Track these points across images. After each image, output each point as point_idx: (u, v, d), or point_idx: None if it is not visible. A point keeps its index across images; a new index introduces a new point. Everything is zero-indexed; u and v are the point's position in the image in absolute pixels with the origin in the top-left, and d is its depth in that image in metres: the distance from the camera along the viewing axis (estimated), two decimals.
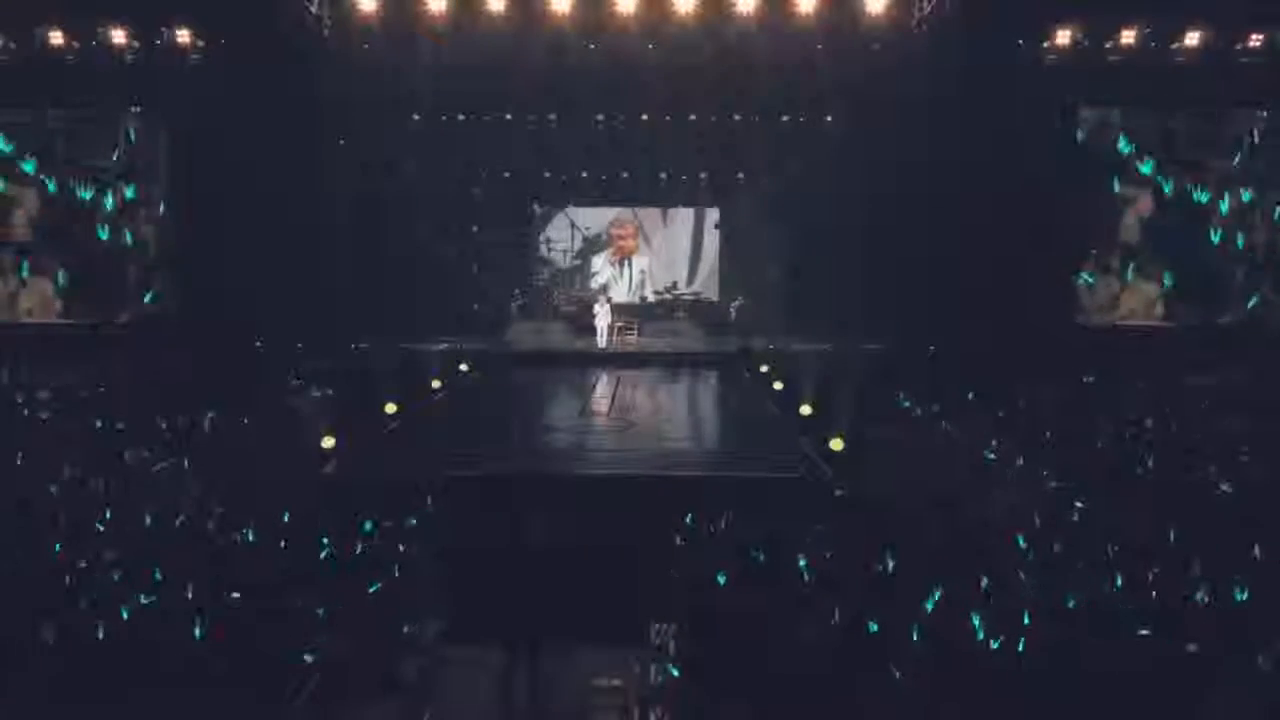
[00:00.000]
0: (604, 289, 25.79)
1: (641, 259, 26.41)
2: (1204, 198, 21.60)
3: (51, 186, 21.54)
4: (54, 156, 21.50)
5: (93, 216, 21.61)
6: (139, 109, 21.54)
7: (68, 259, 21.79)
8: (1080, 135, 21.75)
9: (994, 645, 6.45)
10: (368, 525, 8.85)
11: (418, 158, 23.82)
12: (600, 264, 26.50)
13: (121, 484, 10.51)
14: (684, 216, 26.32)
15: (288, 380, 16.91)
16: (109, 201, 21.61)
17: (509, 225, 25.88)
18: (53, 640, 6.39)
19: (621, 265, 26.48)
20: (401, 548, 8.58)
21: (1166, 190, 21.67)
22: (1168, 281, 22.00)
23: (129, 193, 21.69)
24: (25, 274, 21.76)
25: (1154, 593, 7.38)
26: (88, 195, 21.49)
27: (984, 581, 7.53)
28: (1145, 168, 21.64)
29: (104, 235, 21.59)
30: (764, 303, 24.93)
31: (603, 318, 22.67)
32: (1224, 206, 21.58)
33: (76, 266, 21.76)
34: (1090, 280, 22.07)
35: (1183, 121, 21.62)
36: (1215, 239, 21.75)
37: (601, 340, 22.55)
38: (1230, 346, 20.05)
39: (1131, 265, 22.04)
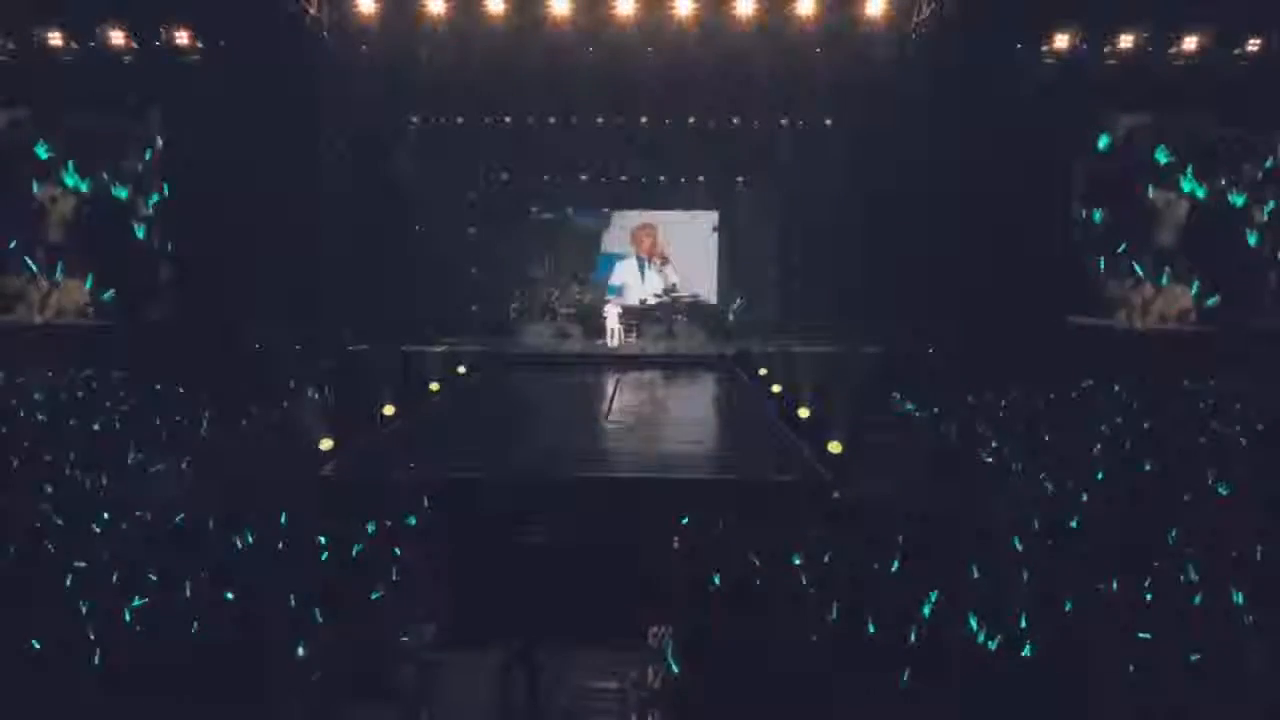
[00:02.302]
0: (620, 290, 25.87)
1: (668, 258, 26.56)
2: (1239, 200, 21.44)
3: (80, 185, 21.52)
4: (90, 157, 21.46)
5: (127, 217, 21.54)
6: (137, 110, 21.52)
7: (101, 259, 21.68)
8: (1111, 139, 21.70)
9: (992, 647, 6.46)
10: (366, 527, 8.85)
11: (416, 159, 23.83)
12: (621, 268, 26.56)
13: (119, 485, 10.50)
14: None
15: None
16: (150, 201, 21.62)
17: (507, 227, 25.92)
18: (49, 642, 6.38)
19: (646, 267, 26.57)
20: (399, 550, 8.57)
21: (1200, 195, 21.53)
22: (1194, 288, 21.79)
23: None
24: (60, 276, 21.65)
25: (1152, 595, 7.39)
26: (123, 194, 21.45)
27: (982, 584, 7.54)
28: (1187, 185, 21.46)
29: (140, 234, 21.59)
30: (763, 305, 24.99)
31: (613, 318, 22.77)
32: (1266, 212, 21.40)
33: (109, 267, 21.65)
34: (1135, 277, 21.91)
35: (1213, 124, 21.44)
36: (1253, 243, 21.57)
37: (612, 340, 22.65)
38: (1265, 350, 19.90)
39: (1168, 269, 21.85)
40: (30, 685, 6.06)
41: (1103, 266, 22.02)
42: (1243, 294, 21.52)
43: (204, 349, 18.50)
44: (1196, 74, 20.58)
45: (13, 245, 21.53)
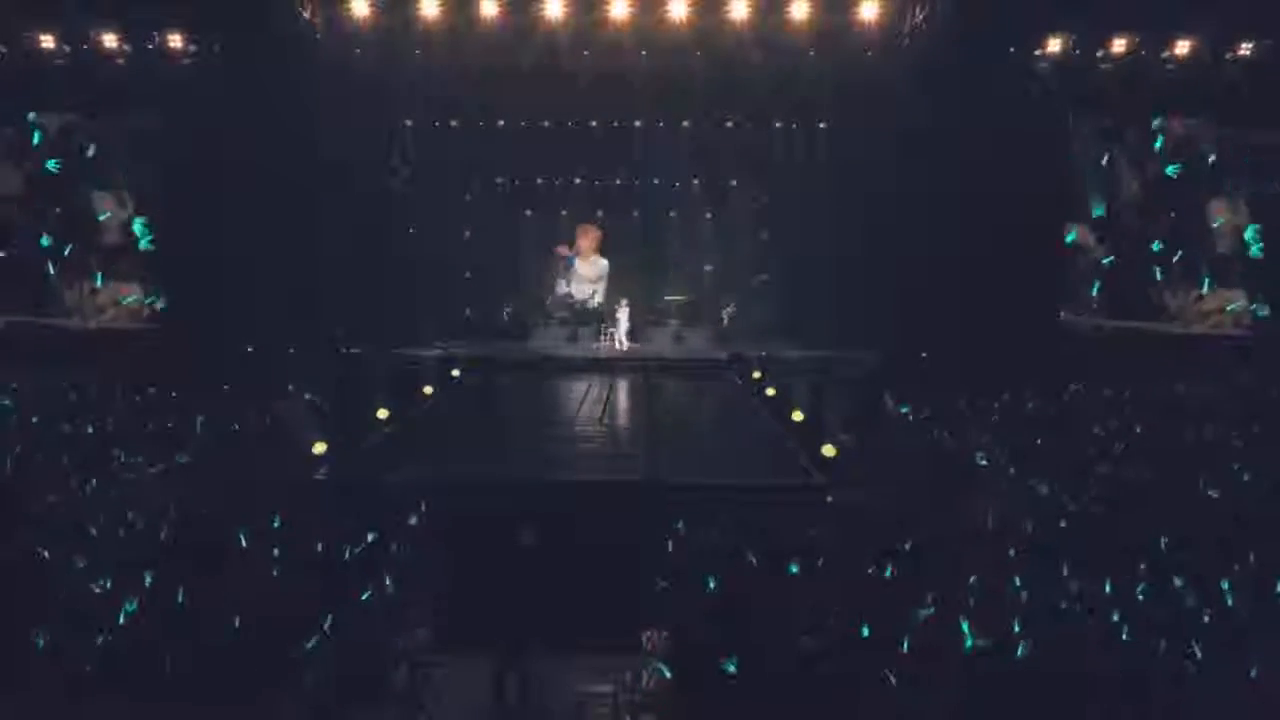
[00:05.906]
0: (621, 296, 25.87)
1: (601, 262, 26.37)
2: None
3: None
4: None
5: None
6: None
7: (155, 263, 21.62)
8: (1159, 142, 21.66)
9: (985, 650, 6.47)
10: (360, 530, 8.83)
11: (410, 163, 23.79)
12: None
13: (113, 488, 10.47)
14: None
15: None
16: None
17: (501, 231, 25.91)
18: (45, 645, 6.37)
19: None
20: (393, 553, 8.56)
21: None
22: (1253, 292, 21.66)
23: None
24: (99, 282, 21.60)
25: (1144, 598, 7.41)
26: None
27: (976, 587, 7.56)
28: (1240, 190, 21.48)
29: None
30: (757, 308, 24.98)
31: (624, 321, 22.65)
32: None
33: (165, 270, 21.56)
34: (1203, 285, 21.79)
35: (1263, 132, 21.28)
36: None
37: (622, 345, 22.52)
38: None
39: (1210, 276, 21.73)
40: (29, 686, 6.05)
41: (1158, 275, 21.87)
42: None
43: (199, 352, 18.46)
44: (1190, 77, 20.67)
45: (68, 251, 21.49)
